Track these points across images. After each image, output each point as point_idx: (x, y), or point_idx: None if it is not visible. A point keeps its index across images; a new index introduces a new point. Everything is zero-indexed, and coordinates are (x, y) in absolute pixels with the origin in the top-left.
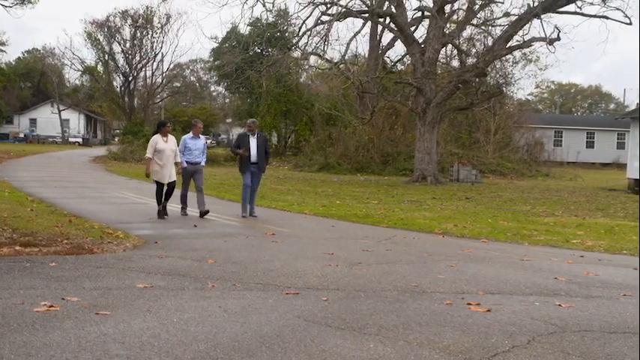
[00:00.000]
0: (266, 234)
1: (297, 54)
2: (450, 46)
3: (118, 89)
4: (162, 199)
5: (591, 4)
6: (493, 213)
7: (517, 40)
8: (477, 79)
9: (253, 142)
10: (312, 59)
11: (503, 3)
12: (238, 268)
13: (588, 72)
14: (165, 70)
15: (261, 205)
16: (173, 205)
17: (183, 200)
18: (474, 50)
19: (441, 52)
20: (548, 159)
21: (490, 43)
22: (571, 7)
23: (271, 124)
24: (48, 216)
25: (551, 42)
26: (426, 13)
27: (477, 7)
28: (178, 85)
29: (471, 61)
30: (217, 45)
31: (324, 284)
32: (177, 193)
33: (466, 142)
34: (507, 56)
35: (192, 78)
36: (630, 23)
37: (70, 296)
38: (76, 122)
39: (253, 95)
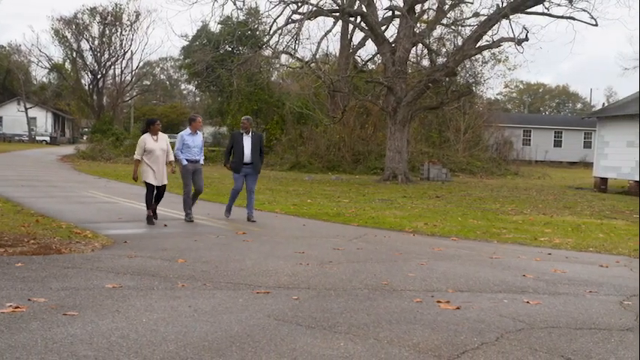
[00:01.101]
0: (237, 233)
1: (268, 53)
2: (420, 45)
3: (87, 87)
4: (154, 201)
5: (558, 5)
6: (463, 211)
7: (486, 40)
8: (447, 79)
9: (247, 142)
10: (283, 58)
11: (472, 3)
12: (209, 267)
13: (556, 72)
14: (134, 68)
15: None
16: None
17: (187, 204)
18: (444, 50)
19: (412, 51)
20: (517, 158)
21: (460, 43)
22: (539, 8)
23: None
24: (14, 216)
25: (519, 42)
26: (397, 13)
27: (447, 7)
28: (148, 83)
29: (441, 60)
30: (188, 43)
31: (295, 283)
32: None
33: (436, 141)
34: (477, 56)
35: (162, 76)
36: (596, 24)
37: (37, 297)
38: (44, 120)
39: (224, 94)
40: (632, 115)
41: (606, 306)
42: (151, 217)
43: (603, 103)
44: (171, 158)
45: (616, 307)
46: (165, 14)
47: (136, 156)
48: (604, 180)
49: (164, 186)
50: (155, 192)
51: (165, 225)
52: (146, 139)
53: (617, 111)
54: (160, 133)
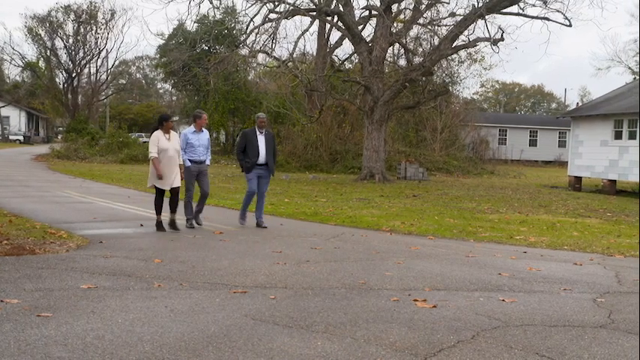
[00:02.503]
0: (214, 233)
1: (245, 52)
2: (397, 45)
3: (61, 86)
4: (170, 210)
5: (533, 5)
6: (440, 210)
7: (462, 40)
8: (424, 78)
9: (262, 141)
10: (260, 57)
11: (448, 3)
12: (185, 267)
13: (532, 72)
14: (110, 66)
15: (209, 203)
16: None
17: (188, 209)
18: (421, 49)
19: (389, 51)
20: (493, 157)
21: (436, 43)
22: (514, 9)
23: (219, 122)
24: None
25: (495, 42)
26: (374, 12)
27: (424, 6)
28: (124, 82)
29: (417, 60)
30: (164, 42)
31: (272, 282)
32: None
33: (413, 141)
34: (453, 56)
35: (138, 75)
36: (570, 25)
37: (10, 298)
38: (17, 119)
39: (201, 93)
40: (606, 115)
41: (580, 303)
42: (161, 224)
43: (577, 103)
44: (180, 162)
45: (589, 305)
46: (141, 12)
47: (153, 154)
48: (578, 179)
49: (177, 188)
50: (166, 196)
51: (142, 225)
52: (159, 136)
53: (590, 110)
54: (172, 132)
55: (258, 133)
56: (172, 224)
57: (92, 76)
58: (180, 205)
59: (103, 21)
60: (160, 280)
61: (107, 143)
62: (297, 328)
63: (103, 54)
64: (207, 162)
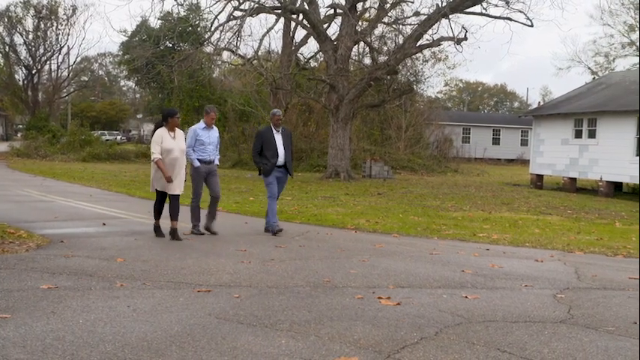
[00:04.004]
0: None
1: (209, 49)
2: (362, 43)
3: (21, 82)
4: (170, 218)
5: (495, 5)
6: (404, 208)
7: (427, 39)
8: (389, 77)
9: (279, 140)
10: (225, 55)
11: (413, 2)
12: (148, 266)
13: (496, 71)
14: (71, 63)
15: None
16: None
17: (195, 214)
18: (386, 48)
19: (354, 49)
20: (456, 155)
21: (401, 42)
22: (477, 9)
23: (183, 120)
24: None
25: (458, 41)
26: (339, 11)
27: (388, 5)
28: (86, 79)
29: (382, 58)
30: (127, 39)
31: (237, 281)
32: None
33: (378, 139)
34: (417, 55)
35: (101, 72)
36: (531, 25)
37: None
38: None
39: (165, 90)
40: (566, 114)
41: (541, 299)
42: (159, 228)
43: (539, 102)
44: (185, 162)
45: (550, 300)
46: (104, 9)
47: (156, 155)
48: (540, 177)
49: (177, 196)
50: (169, 202)
51: (104, 224)
52: (163, 134)
53: (551, 110)
54: (178, 130)
55: (274, 131)
56: (173, 234)
57: (53, 73)
58: (184, 210)
59: (64, 17)
60: (122, 279)
61: (69, 141)
62: (261, 326)
63: (64, 50)
64: (217, 162)
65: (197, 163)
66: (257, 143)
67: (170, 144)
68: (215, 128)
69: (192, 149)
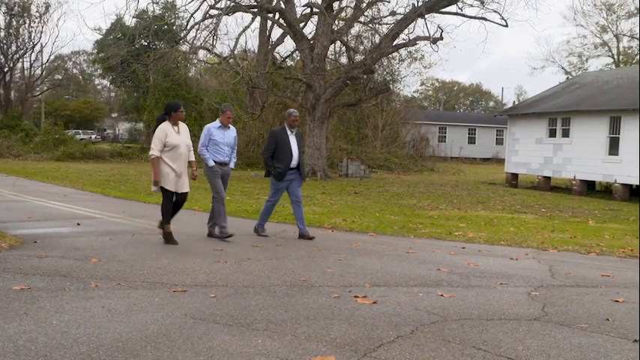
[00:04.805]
0: (153, 231)
1: (185, 48)
2: (338, 42)
3: None
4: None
5: (471, 5)
6: (380, 207)
7: (403, 39)
8: (365, 76)
9: (294, 142)
10: (201, 53)
11: (389, 2)
12: (124, 266)
13: (472, 71)
14: (44, 61)
15: (149, 201)
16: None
17: (221, 214)
18: (362, 47)
19: (330, 48)
20: (433, 154)
21: (377, 41)
22: (453, 8)
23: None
24: None
25: (434, 41)
26: (315, 10)
27: (365, 5)
28: (60, 77)
29: (358, 58)
30: (101, 37)
31: (213, 281)
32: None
33: (355, 138)
34: (394, 54)
35: (75, 70)
36: (506, 25)
37: None
38: None
39: (140, 89)
40: (540, 113)
41: (515, 297)
42: (171, 235)
43: (514, 102)
44: (192, 158)
45: (524, 298)
46: (77, 6)
47: (155, 152)
48: (515, 175)
49: (186, 194)
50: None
51: (78, 224)
52: (167, 129)
53: (526, 109)
54: (181, 124)
55: (289, 132)
56: (165, 235)
57: (26, 71)
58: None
59: (37, 14)
60: (97, 279)
61: (42, 140)
62: (237, 326)
63: (38, 48)
64: (232, 165)
65: (212, 163)
66: (271, 144)
67: (175, 139)
68: (232, 128)
69: (206, 148)
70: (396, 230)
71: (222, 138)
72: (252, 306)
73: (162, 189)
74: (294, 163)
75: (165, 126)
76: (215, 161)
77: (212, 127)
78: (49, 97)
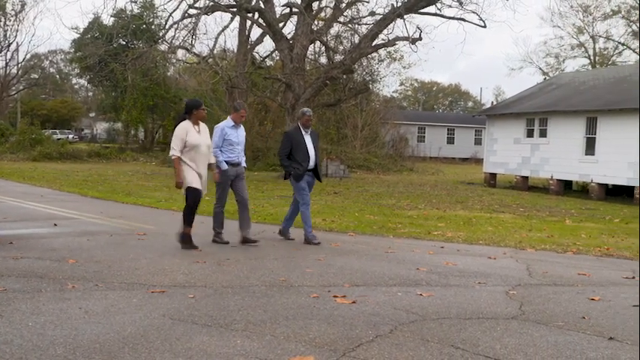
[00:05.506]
0: (132, 232)
1: (164, 47)
2: (318, 42)
3: None
4: (183, 221)
5: (449, 6)
6: (360, 207)
7: (382, 39)
8: (345, 76)
9: (309, 142)
10: (180, 53)
11: (368, 2)
12: (101, 267)
13: (452, 71)
14: (20, 60)
15: (128, 202)
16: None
17: (219, 220)
18: (342, 47)
19: (310, 48)
20: (412, 154)
21: (357, 41)
22: (431, 9)
23: (138, 118)
24: None
25: (413, 41)
26: (294, 10)
27: (344, 5)
28: (36, 76)
29: (338, 58)
30: (79, 36)
31: (191, 281)
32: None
33: (334, 138)
34: (373, 54)
35: (52, 69)
36: (484, 26)
37: None
38: None
39: (118, 89)
40: (518, 114)
41: (493, 296)
42: (190, 238)
43: (492, 102)
44: (213, 159)
45: (502, 297)
46: (54, 5)
47: (175, 152)
48: (493, 175)
49: (200, 195)
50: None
51: (55, 224)
52: (188, 128)
53: (504, 109)
54: (201, 123)
55: (303, 132)
56: (185, 238)
57: (1, 70)
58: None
59: (13, 12)
60: (74, 280)
61: (18, 140)
62: (216, 326)
63: (13, 47)
64: (244, 163)
65: (225, 166)
66: (286, 145)
67: (196, 139)
68: (242, 126)
69: (220, 150)
70: (376, 230)
71: (236, 137)
72: (231, 306)
73: (189, 189)
74: (311, 163)
75: (186, 124)
76: (229, 162)
77: (225, 126)
78: (26, 97)
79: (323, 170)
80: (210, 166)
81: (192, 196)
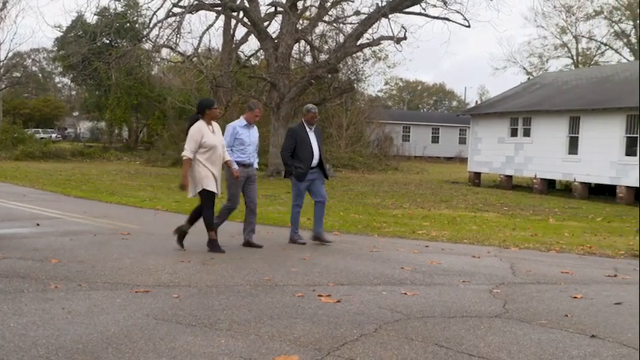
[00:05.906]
0: (116, 231)
1: (148, 46)
2: (303, 42)
3: None
4: (187, 219)
5: (434, 6)
6: (345, 206)
7: (367, 38)
8: (330, 75)
9: (314, 139)
10: (164, 52)
11: (353, 1)
12: (85, 267)
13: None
14: (2, 59)
15: (111, 201)
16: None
17: (222, 216)
18: (326, 47)
19: (294, 47)
20: (397, 153)
21: (341, 40)
22: (416, 9)
23: (121, 117)
24: None
25: (398, 41)
26: (279, 9)
27: (329, 4)
28: (19, 75)
29: (323, 57)
30: (62, 34)
31: (176, 281)
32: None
33: None
34: (358, 53)
35: (35, 68)
36: (469, 26)
37: None
38: None
39: (102, 87)
40: (502, 113)
41: (477, 294)
42: (217, 242)
43: (476, 101)
44: (228, 157)
45: (486, 296)
46: (36, 3)
47: (188, 154)
48: (477, 174)
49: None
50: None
51: (38, 224)
52: (202, 128)
53: (488, 109)
54: (214, 122)
55: (307, 129)
56: (181, 238)
57: None
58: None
59: None
60: (56, 281)
61: (0, 139)
62: (200, 326)
63: None
64: (256, 165)
65: (235, 166)
66: (290, 142)
67: (212, 139)
68: (255, 127)
69: (231, 149)
70: (360, 229)
71: (249, 137)
72: (216, 306)
73: (203, 191)
74: (315, 161)
75: (200, 125)
76: (240, 162)
77: (237, 125)
78: (8, 95)
79: None
80: (227, 163)
81: (208, 198)
